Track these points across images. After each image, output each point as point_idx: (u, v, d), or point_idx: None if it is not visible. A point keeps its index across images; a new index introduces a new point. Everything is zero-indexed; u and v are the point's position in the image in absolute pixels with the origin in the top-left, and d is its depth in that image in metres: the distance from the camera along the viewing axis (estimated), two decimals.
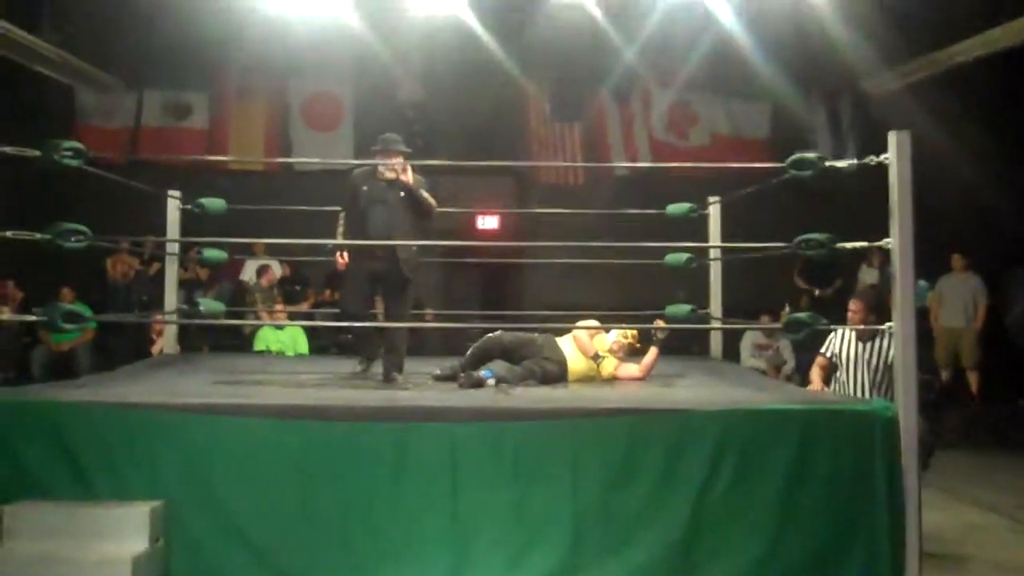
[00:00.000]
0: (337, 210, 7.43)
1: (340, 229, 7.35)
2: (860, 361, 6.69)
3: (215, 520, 5.21)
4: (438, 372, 7.22)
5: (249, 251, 12.42)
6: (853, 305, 6.83)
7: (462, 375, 6.82)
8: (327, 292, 13.31)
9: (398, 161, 7.14)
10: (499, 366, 6.97)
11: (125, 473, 5.22)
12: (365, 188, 7.14)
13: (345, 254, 7.32)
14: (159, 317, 9.14)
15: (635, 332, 7.58)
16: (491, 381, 6.69)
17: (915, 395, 5.42)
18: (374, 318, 7.80)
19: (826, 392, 6.75)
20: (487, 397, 6.20)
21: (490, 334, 7.47)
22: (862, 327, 6.62)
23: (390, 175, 7.09)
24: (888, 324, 5.60)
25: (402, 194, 7.09)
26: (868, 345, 6.67)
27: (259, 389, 6.44)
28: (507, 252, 13.19)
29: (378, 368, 7.19)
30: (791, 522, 5.29)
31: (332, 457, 5.30)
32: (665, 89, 14.91)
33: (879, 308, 6.60)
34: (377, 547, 5.22)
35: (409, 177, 7.13)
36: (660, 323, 7.65)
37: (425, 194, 7.25)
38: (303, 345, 11.02)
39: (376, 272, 7.18)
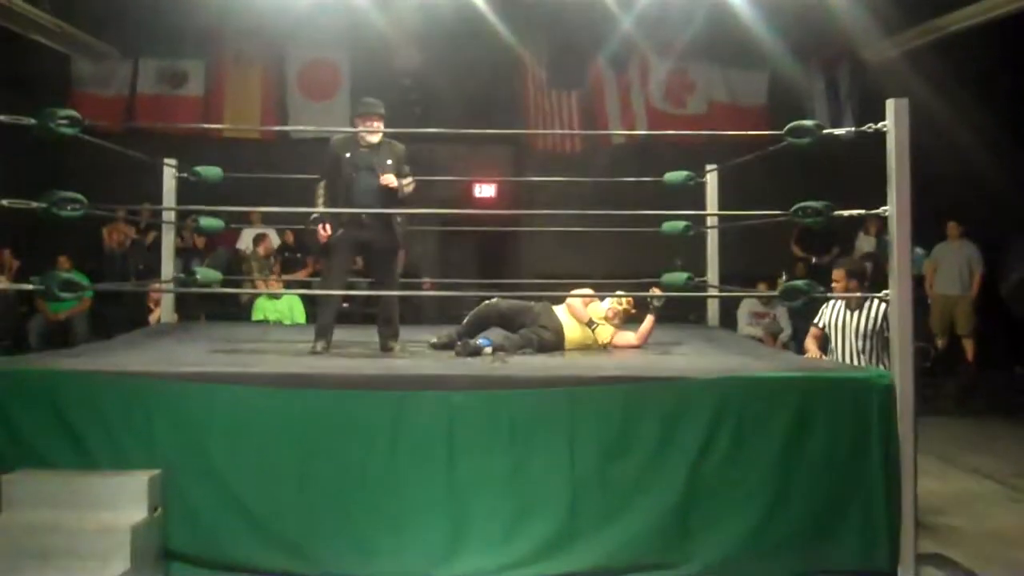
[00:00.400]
0: (315, 178, 7.11)
1: (320, 199, 7.02)
2: (848, 329, 6.73)
3: (213, 489, 5.23)
4: (435, 340, 7.23)
5: (246, 220, 12.39)
6: (835, 275, 6.86)
7: (459, 343, 6.82)
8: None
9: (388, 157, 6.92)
10: (496, 334, 6.97)
11: (123, 442, 5.24)
12: (348, 155, 6.89)
13: (328, 225, 6.90)
14: (156, 286, 9.14)
15: (630, 299, 7.56)
16: (488, 349, 6.69)
17: (911, 363, 5.44)
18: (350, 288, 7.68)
19: (823, 360, 6.77)
20: (484, 365, 6.20)
21: (487, 301, 7.46)
22: (848, 295, 6.65)
23: (391, 189, 6.83)
24: (884, 292, 5.61)
25: (389, 161, 6.87)
26: (856, 313, 6.71)
27: (256, 358, 6.44)
28: (504, 220, 13.16)
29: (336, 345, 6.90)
30: (787, 489, 5.32)
31: (329, 425, 5.32)
32: (663, 57, 14.85)
33: (860, 275, 6.80)
34: (374, 515, 5.25)
35: (394, 183, 6.80)
36: (656, 291, 7.65)
37: (407, 183, 6.93)
38: (300, 314, 11.02)
39: (365, 241, 7.00)
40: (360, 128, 6.95)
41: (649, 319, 7.45)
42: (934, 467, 7.80)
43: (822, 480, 5.35)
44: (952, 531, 6.52)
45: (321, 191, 7.00)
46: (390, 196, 6.86)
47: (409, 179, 6.96)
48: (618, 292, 7.65)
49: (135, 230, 13.26)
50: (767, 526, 5.28)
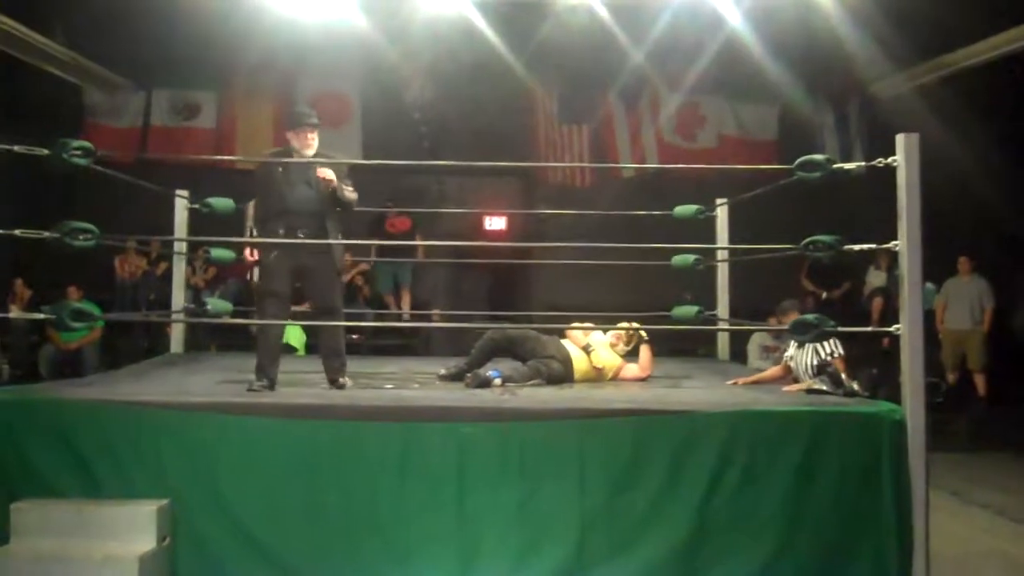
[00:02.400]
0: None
1: (249, 223, 6.63)
2: (799, 366, 6.91)
3: (221, 519, 5.22)
4: (443, 372, 7.22)
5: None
6: (784, 320, 7.10)
7: (468, 375, 6.81)
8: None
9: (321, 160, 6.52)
10: (505, 365, 6.97)
11: (132, 472, 5.25)
12: (280, 169, 6.44)
13: (254, 251, 6.48)
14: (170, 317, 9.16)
15: (629, 329, 7.51)
16: (498, 381, 6.69)
17: (922, 398, 5.42)
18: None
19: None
20: (493, 397, 6.19)
21: (494, 328, 7.46)
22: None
23: (325, 182, 6.38)
24: (896, 326, 5.60)
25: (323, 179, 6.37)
26: (801, 350, 6.88)
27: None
28: (514, 253, 13.17)
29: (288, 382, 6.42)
30: (798, 525, 5.29)
31: (338, 456, 5.32)
32: (673, 91, 14.89)
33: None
34: (383, 547, 5.24)
35: (332, 176, 6.38)
36: (625, 324, 7.63)
37: (348, 189, 6.52)
38: (301, 345, 11.00)
39: (303, 266, 6.44)
40: (294, 141, 6.53)
41: (644, 349, 7.43)
42: (946, 503, 7.75)
43: (832, 515, 5.32)
44: (964, 567, 6.47)
45: (251, 216, 6.64)
46: (328, 212, 6.45)
47: (350, 188, 6.54)
48: (620, 324, 7.63)
49: (146, 261, 13.29)
50: (777, 561, 5.25)
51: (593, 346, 7.31)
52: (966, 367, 12.54)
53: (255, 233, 6.54)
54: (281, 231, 6.37)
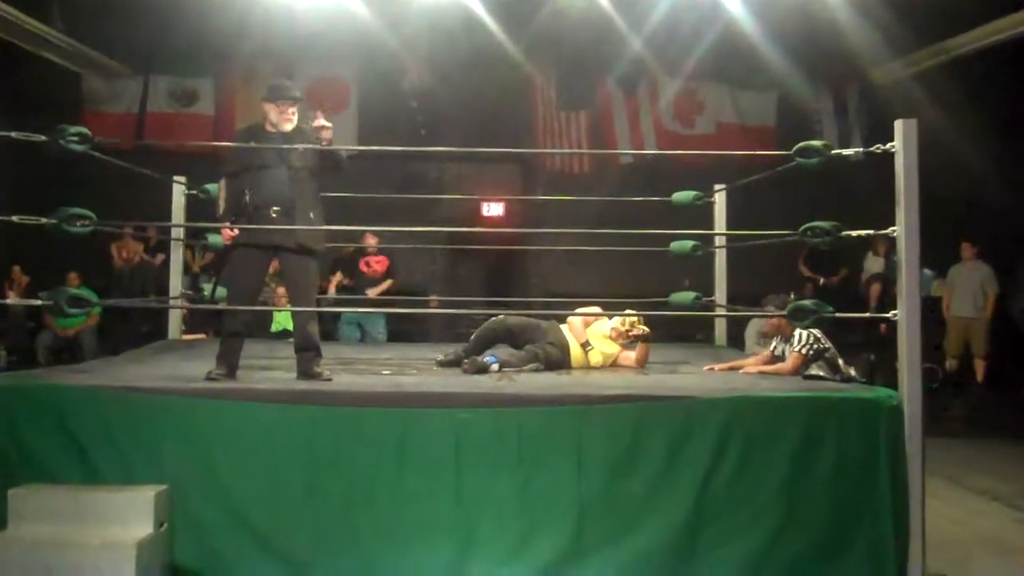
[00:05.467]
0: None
1: (222, 198, 6.21)
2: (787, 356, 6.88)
3: (219, 504, 5.23)
4: (441, 358, 7.21)
5: None
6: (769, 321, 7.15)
7: (466, 361, 6.82)
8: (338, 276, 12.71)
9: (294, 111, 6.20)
10: (503, 351, 6.97)
11: (130, 457, 5.25)
12: (252, 148, 6.15)
13: (233, 228, 6.09)
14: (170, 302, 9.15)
15: (634, 320, 7.47)
16: (495, 366, 6.69)
17: (919, 384, 5.42)
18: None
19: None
20: (491, 383, 6.18)
21: (494, 317, 7.46)
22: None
23: (325, 133, 6.10)
24: (892, 312, 5.60)
25: (302, 150, 6.10)
26: (786, 345, 6.87)
27: (263, 374, 6.44)
28: (512, 239, 13.19)
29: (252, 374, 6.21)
30: (795, 510, 5.30)
31: (336, 442, 5.32)
32: (672, 77, 14.90)
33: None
34: (381, 532, 5.23)
35: (330, 125, 6.14)
36: (632, 313, 7.56)
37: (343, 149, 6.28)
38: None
39: (275, 245, 6.14)
40: (272, 114, 6.20)
41: (642, 347, 7.41)
42: (942, 488, 7.76)
43: (829, 500, 5.32)
44: (960, 552, 6.48)
45: (223, 189, 6.25)
46: (306, 190, 6.15)
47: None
48: (627, 311, 7.60)
49: (143, 247, 13.29)
50: (775, 546, 5.26)
51: (592, 344, 7.29)
52: (970, 353, 12.55)
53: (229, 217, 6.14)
54: (249, 216, 6.08)
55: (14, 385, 5.52)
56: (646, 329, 7.38)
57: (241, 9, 12.04)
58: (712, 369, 7.14)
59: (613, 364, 7.38)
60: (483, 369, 6.65)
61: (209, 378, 5.85)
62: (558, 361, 7.12)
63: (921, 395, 5.42)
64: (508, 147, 13.10)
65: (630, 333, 7.39)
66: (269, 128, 6.22)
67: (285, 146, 6.13)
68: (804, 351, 6.58)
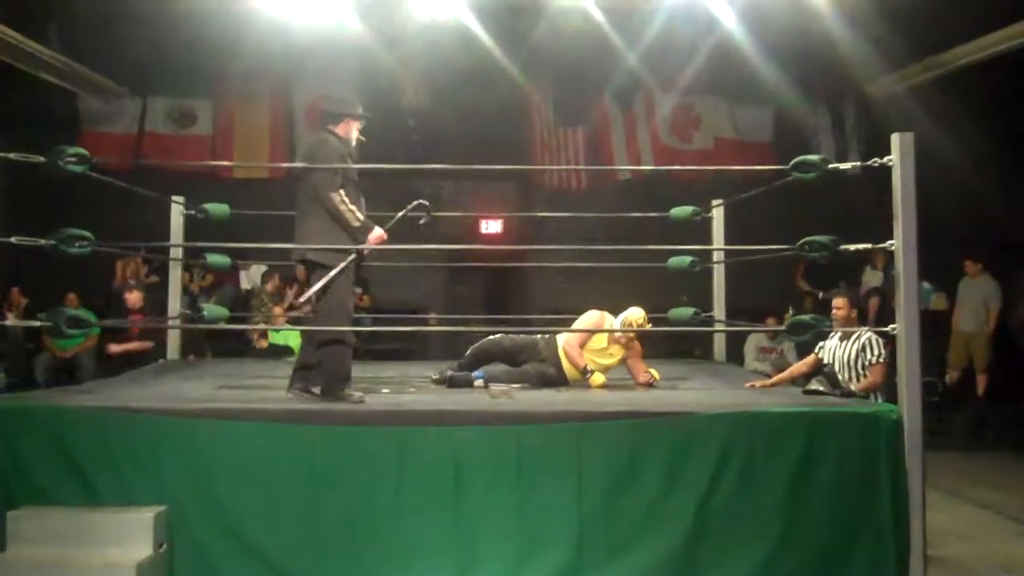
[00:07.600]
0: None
1: (348, 209, 6.04)
2: (838, 359, 6.72)
3: (219, 525, 5.22)
4: (436, 376, 7.20)
5: (254, 256, 12.37)
6: (838, 302, 6.87)
7: (448, 374, 6.83)
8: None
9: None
10: (493, 368, 6.97)
11: (129, 478, 5.24)
12: (348, 161, 6.22)
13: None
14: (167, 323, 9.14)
15: (640, 320, 7.36)
16: (479, 382, 6.71)
17: (919, 397, 5.42)
18: None
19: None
20: (489, 401, 6.19)
21: (490, 337, 7.43)
22: (846, 327, 6.72)
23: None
24: (892, 326, 5.60)
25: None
26: (845, 343, 6.73)
27: (262, 394, 6.43)
28: (510, 256, 13.18)
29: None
30: (795, 525, 5.29)
31: (335, 461, 5.31)
32: (668, 93, 14.89)
33: (859, 307, 6.74)
34: (381, 551, 5.23)
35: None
36: (637, 315, 7.41)
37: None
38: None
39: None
40: (355, 130, 6.40)
41: (635, 344, 7.35)
42: (942, 501, 7.76)
43: (830, 515, 5.32)
44: (960, 566, 6.48)
45: (343, 202, 6.00)
46: (303, 210, 6.13)
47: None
48: (632, 308, 7.42)
49: (146, 268, 13.28)
50: (775, 561, 5.25)
51: (591, 367, 7.10)
52: (971, 367, 12.53)
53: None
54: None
55: (13, 407, 5.52)
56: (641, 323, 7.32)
57: (238, 30, 12.05)
58: (754, 386, 6.96)
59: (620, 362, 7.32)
60: (467, 383, 6.67)
61: (353, 401, 5.81)
62: (554, 379, 7.07)
63: (921, 409, 5.42)
64: (505, 164, 13.08)
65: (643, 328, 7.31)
66: (352, 143, 6.34)
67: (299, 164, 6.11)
68: (885, 358, 6.47)
